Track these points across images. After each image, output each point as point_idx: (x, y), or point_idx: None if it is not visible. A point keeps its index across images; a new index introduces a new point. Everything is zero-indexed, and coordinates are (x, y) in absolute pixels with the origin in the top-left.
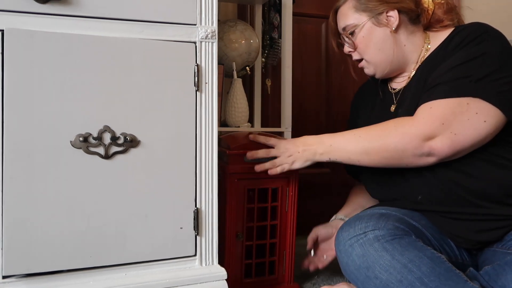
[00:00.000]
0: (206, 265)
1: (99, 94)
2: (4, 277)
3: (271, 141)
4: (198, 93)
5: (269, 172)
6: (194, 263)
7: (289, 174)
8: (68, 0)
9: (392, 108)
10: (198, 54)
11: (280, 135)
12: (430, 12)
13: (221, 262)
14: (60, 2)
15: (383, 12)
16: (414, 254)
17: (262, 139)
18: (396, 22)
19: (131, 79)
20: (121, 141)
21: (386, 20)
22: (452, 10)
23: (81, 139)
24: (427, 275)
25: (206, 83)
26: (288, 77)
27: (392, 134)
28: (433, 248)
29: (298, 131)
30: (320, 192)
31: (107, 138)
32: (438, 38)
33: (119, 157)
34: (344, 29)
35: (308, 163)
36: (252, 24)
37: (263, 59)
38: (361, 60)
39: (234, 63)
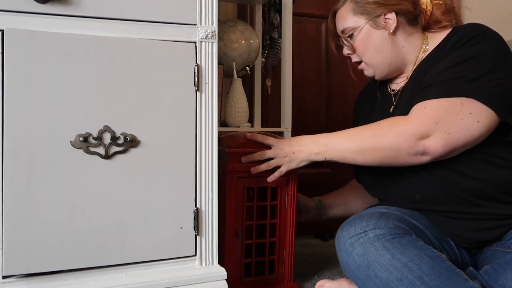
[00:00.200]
0: (206, 265)
1: (99, 94)
2: (4, 277)
3: (268, 140)
4: (198, 93)
5: (268, 179)
6: (194, 263)
7: (288, 173)
8: (68, 0)
9: (391, 109)
10: (198, 54)
11: (280, 135)
12: (428, 13)
13: (220, 260)
14: (60, 2)
15: (381, 15)
16: (415, 253)
17: (260, 138)
18: (394, 25)
19: (131, 79)
20: (121, 141)
21: (384, 22)
22: (450, 11)
23: (81, 139)
24: (427, 274)
25: (206, 83)
26: (288, 77)
27: (387, 133)
28: (433, 247)
29: (298, 131)
30: (320, 191)
31: (107, 138)
32: (436, 39)
33: (119, 157)
34: (342, 31)
35: (304, 163)
36: (252, 24)
37: (263, 59)
38: (360, 62)
39: (234, 63)
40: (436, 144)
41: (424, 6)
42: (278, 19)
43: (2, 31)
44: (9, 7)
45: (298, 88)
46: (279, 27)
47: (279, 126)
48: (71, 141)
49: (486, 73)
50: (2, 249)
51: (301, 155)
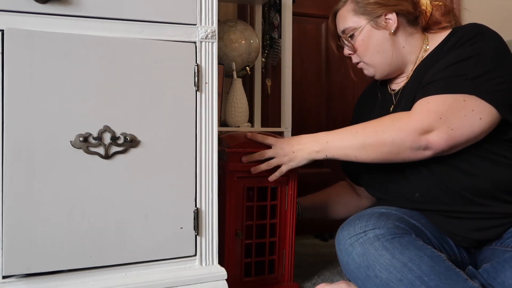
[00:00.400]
0: (206, 265)
1: (99, 94)
2: (4, 277)
3: (268, 140)
4: (198, 93)
5: (269, 178)
6: (194, 263)
7: (288, 173)
8: (68, 0)
9: (391, 108)
10: (198, 54)
11: (280, 135)
12: (428, 14)
13: (220, 260)
14: (60, 2)
15: (381, 15)
16: (414, 253)
17: (260, 138)
18: (395, 25)
19: (131, 79)
20: (121, 141)
21: (385, 22)
22: (450, 12)
23: (81, 139)
24: (427, 274)
25: (206, 83)
26: (288, 77)
27: (389, 129)
28: (433, 247)
29: (298, 131)
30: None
31: (107, 138)
32: (436, 39)
33: (119, 157)
34: (343, 32)
35: (304, 162)
36: (252, 24)
37: (263, 59)
38: (360, 62)
39: (234, 63)
40: (439, 139)
41: (424, 7)
42: (278, 19)
43: (2, 31)
44: (9, 7)
45: (298, 88)
46: (279, 27)
47: (279, 126)
48: (71, 141)
49: (487, 72)
50: (2, 249)
51: (301, 154)
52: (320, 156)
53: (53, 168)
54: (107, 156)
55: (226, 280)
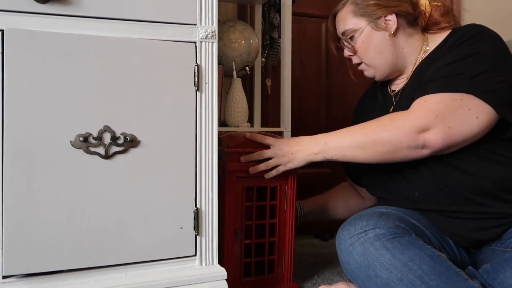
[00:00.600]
0: (206, 265)
1: (99, 94)
2: (4, 277)
3: (267, 140)
4: (198, 93)
5: (265, 175)
6: (194, 263)
7: (288, 173)
8: (68, 0)
9: (391, 109)
10: (198, 54)
11: (279, 135)
12: (427, 14)
13: (220, 260)
14: (60, 2)
15: (381, 16)
16: (415, 252)
17: (259, 137)
18: (395, 26)
19: (131, 79)
20: (121, 141)
21: (385, 24)
22: (449, 13)
23: (81, 139)
24: (427, 274)
25: (206, 83)
26: (287, 77)
27: (387, 128)
28: (433, 247)
29: (298, 131)
30: (320, 191)
31: (107, 138)
32: (436, 39)
33: (119, 157)
34: (343, 33)
35: (302, 164)
36: (252, 24)
37: (263, 59)
38: (360, 63)
39: (233, 63)
40: (436, 137)
41: (423, 8)
42: (278, 19)
43: (2, 31)
44: (9, 7)
45: (298, 88)
46: (279, 27)
47: (279, 126)
48: (71, 141)
49: (485, 71)
50: (2, 249)
51: (300, 155)
52: (319, 158)
53: (53, 168)
54: (107, 156)
55: (226, 280)
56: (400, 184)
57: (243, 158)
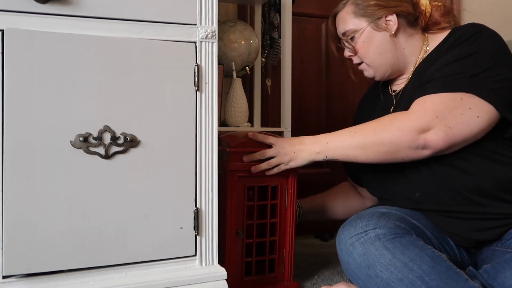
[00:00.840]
0: (206, 265)
1: (99, 94)
2: (4, 277)
3: (269, 139)
4: (198, 93)
5: (266, 172)
6: (194, 263)
7: (288, 172)
8: (68, 0)
9: (391, 109)
10: (198, 54)
11: (279, 135)
12: (428, 15)
13: (221, 260)
14: (60, 2)
15: (382, 17)
16: (415, 253)
17: (261, 137)
18: (395, 26)
19: (131, 79)
20: (121, 141)
21: (385, 24)
22: (449, 13)
23: (81, 139)
24: (428, 274)
25: (206, 83)
26: (287, 77)
27: (388, 128)
28: (433, 247)
29: (298, 131)
30: (320, 191)
31: (107, 138)
32: (436, 39)
33: (119, 157)
34: (343, 34)
35: (304, 163)
36: (252, 24)
37: (263, 59)
38: (361, 63)
39: (233, 63)
40: (436, 138)
41: (423, 8)
42: (278, 19)
43: (2, 31)
44: (9, 7)
45: (298, 88)
46: (279, 27)
47: (279, 126)
48: (71, 141)
49: (486, 70)
50: (2, 249)
51: (302, 154)
52: (320, 157)
53: (53, 168)
54: (107, 156)
55: (226, 280)
56: (401, 184)
57: (245, 158)
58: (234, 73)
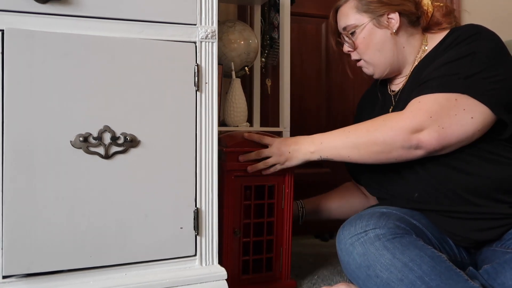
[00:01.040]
0: (206, 265)
1: (99, 94)
2: (4, 277)
3: (265, 139)
4: (198, 93)
5: (263, 172)
6: (194, 263)
7: (285, 172)
8: (68, 0)
9: (390, 109)
10: (198, 54)
11: (278, 135)
12: (429, 15)
13: (219, 258)
14: (60, 2)
15: (384, 14)
16: (415, 253)
17: (257, 137)
18: (397, 24)
19: (131, 79)
20: (121, 141)
21: (387, 22)
22: (451, 13)
23: (81, 139)
24: (428, 274)
25: (206, 83)
26: (286, 77)
27: (381, 128)
28: (433, 247)
29: (297, 131)
30: (320, 191)
31: (107, 138)
32: (435, 39)
33: (119, 157)
34: (344, 28)
35: (300, 162)
36: (252, 24)
37: (263, 59)
38: (359, 60)
39: (232, 63)
40: (430, 138)
41: (425, 8)
42: (278, 19)
43: (2, 31)
44: (9, 7)
45: (298, 88)
46: (279, 27)
47: (279, 126)
48: (71, 141)
49: (482, 71)
50: (2, 249)
51: (296, 154)
52: (315, 157)
53: (53, 168)
54: (107, 156)
55: (226, 280)
56: (398, 184)
57: (241, 158)
58: (233, 73)
